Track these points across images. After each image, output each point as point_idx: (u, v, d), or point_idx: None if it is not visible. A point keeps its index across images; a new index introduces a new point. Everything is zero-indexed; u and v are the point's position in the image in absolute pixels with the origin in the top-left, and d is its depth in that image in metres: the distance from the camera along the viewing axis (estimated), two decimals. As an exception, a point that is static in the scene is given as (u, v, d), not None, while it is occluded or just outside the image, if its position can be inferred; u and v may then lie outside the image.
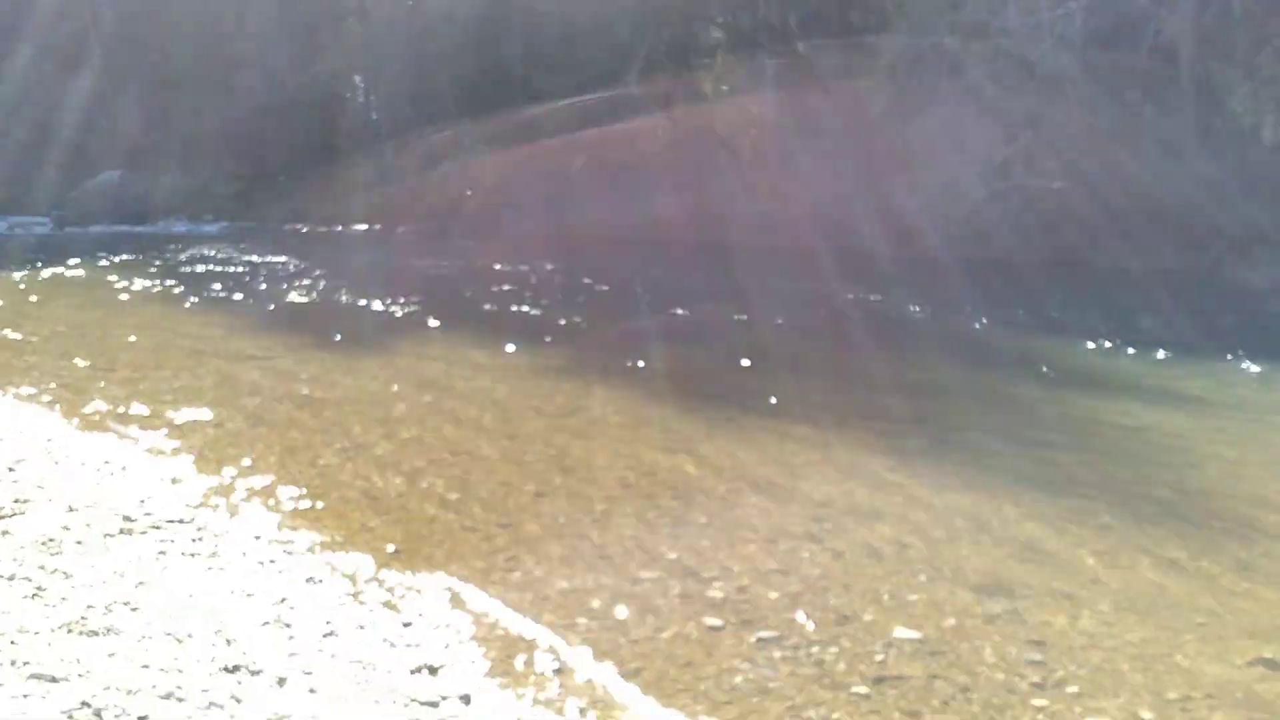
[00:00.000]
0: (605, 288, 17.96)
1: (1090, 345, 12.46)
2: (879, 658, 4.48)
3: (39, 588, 4.65)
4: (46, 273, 19.40)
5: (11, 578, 4.72)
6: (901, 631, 4.72)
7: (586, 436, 8.02)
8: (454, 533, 5.87)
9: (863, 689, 4.20)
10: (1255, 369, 11.08)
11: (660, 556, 5.54)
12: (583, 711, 3.95)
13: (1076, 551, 5.73)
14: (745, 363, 11.49)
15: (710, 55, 35.57)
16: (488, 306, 15.43)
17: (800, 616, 4.84)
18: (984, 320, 14.59)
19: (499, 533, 5.88)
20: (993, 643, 4.66)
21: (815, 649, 4.53)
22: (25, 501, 5.84)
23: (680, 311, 15.76)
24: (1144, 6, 22.01)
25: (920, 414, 9.16)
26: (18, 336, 12.07)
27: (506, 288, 17.85)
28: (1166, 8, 22.44)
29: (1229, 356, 11.63)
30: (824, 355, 12.43)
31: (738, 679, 4.26)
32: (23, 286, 17.37)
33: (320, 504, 6.28)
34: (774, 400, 9.55)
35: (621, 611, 4.88)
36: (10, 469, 6.50)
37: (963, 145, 23.79)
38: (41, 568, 4.88)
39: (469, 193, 30.33)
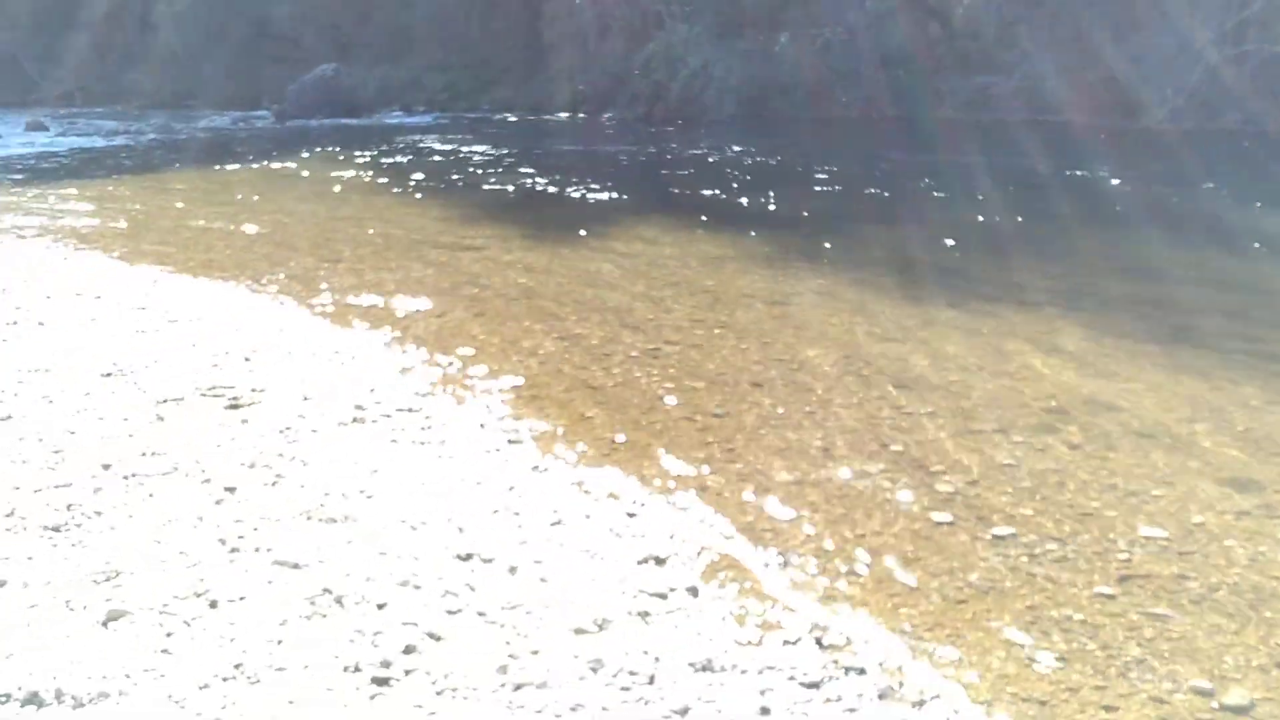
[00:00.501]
0: (811, 170, 17.56)
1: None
2: (1122, 556, 4.27)
3: (278, 475, 4.85)
4: (269, 165, 20.16)
5: (253, 465, 4.94)
6: (1146, 529, 4.49)
7: (800, 325, 7.89)
8: (673, 422, 5.85)
9: (1106, 589, 4.01)
10: None
11: (885, 448, 5.41)
12: (809, 607, 3.90)
13: (1336, 447, 5.35)
14: (950, 243, 11.12)
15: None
16: (691, 192, 15.32)
17: (1035, 512, 4.66)
18: (1213, 196, 13.71)
19: (717, 423, 5.84)
20: (1243, 541, 4.40)
21: (1053, 546, 4.35)
22: (262, 391, 6.10)
23: (881, 191, 15.34)
24: None
25: (1148, 297, 8.70)
26: (247, 229, 12.57)
27: (711, 174, 17.66)
28: None
29: None
30: (1038, 234, 11.89)
31: (972, 576, 4.13)
32: (248, 179, 18.10)
33: (542, 394, 6.36)
34: (989, 285, 9.24)
35: (846, 505, 4.78)
36: (246, 359, 6.79)
37: (1192, 8, 22.23)
38: (280, 455, 5.09)
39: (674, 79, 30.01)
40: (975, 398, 6.17)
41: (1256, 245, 10.80)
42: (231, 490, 4.69)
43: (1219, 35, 21.18)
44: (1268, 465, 5.10)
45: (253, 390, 6.10)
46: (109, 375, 6.33)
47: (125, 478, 4.82)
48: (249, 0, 43.06)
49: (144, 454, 5.12)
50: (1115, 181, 15.48)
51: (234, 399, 5.94)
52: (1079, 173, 16.20)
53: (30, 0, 48.50)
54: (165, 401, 5.87)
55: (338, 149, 23.07)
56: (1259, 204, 13.22)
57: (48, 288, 8.80)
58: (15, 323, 7.53)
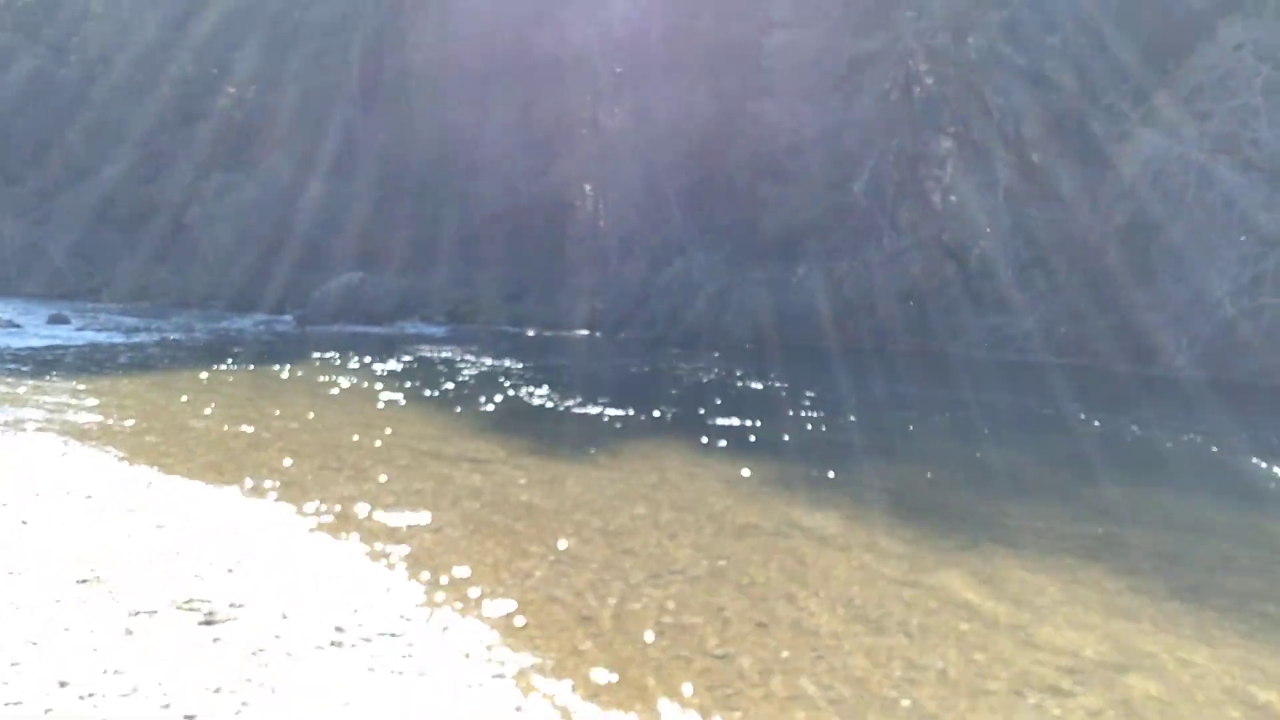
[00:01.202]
0: (824, 400, 17.48)
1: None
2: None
3: (243, 703, 4.53)
4: (283, 369, 20.20)
5: (218, 690, 4.62)
6: (1176, 816, 4.12)
7: (807, 562, 7.59)
8: (669, 662, 5.52)
9: None
10: None
11: (895, 704, 5.06)
12: None
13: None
14: (970, 482, 10.89)
15: (940, 165, 35.09)
16: (701, 417, 15.19)
17: (1055, 788, 4.29)
18: (1236, 446, 13.50)
19: (716, 665, 5.50)
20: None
21: (1076, 831, 3.98)
22: (240, 606, 5.81)
23: (905, 424, 15.20)
24: None
25: (1172, 551, 8.40)
26: (252, 430, 12.43)
27: (723, 399, 17.60)
28: None
29: None
30: (1059, 479, 11.66)
31: None
32: (261, 382, 18.09)
33: (533, 622, 6.05)
34: (1009, 528, 8.95)
35: (851, 767, 4.43)
36: (230, 570, 6.52)
37: (1210, 260, 22.55)
38: (249, 680, 4.78)
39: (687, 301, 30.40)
40: (988, 652, 5.83)
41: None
42: (190, 719, 4.36)
43: (1235, 287, 21.39)
44: (1307, 746, 4.74)
45: (230, 605, 5.81)
46: (84, 582, 6.06)
47: (81, 698, 4.51)
48: (281, 206, 44.29)
49: (105, 671, 4.81)
50: (1134, 428, 15.32)
51: (209, 614, 5.65)
52: (1095, 417, 16.07)
53: (63, 194, 49.98)
54: (137, 614, 5.58)
55: (354, 356, 23.18)
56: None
57: (38, 485, 8.59)
58: (-4, 519, 7.30)
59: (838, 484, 10.62)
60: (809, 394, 18.25)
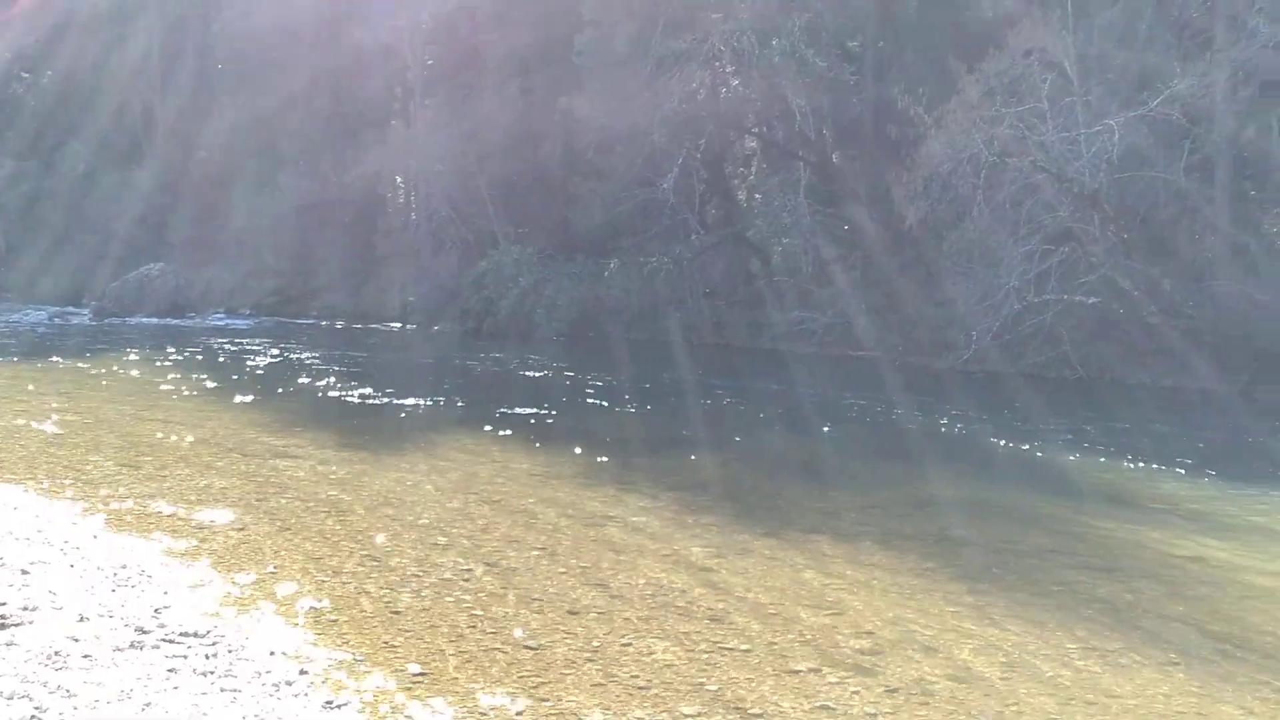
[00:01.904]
0: (635, 391, 17.71)
1: (1131, 465, 12.12)
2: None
3: (37, 709, 4.38)
4: (79, 363, 19.38)
5: (10, 697, 4.45)
6: (962, 782, 4.37)
7: (619, 549, 7.73)
8: (480, 653, 5.56)
9: None
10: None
11: (701, 688, 5.21)
12: None
13: (1145, 694, 5.36)
14: (771, 471, 11.24)
15: (745, 164, 35.85)
16: (514, 408, 15.22)
17: (851, 761, 4.50)
18: (1018, 435, 14.24)
19: (529, 655, 5.57)
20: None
21: (869, 800, 4.19)
22: (34, 609, 5.59)
23: (710, 416, 15.52)
24: (1180, 125, 21.94)
25: (960, 535, 8.85)
26: (46, 429, 11.93)
27: (536, 390, 17.66)
28: (1203, 126, 22.39)
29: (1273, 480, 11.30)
30: (856, 468, 12.12)
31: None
32: (55, 377, 17.32)
33: (343, 618, 6.00)
34: (807, 515, 9.29)
35: (659, 749, 4.55)
36: (24, 571, 6.26)
37: (999, 258, 23.61)
38: (44, 685, 4.62)
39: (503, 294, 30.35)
40: (792, 634, 6.05)
41: (1078, 488, 11.15)
42: (-20, 724, 4.21)
43: (1022, 284, 22.45)
44: (1077, 713, 5.07)
45: (24, 609, 5.59)
46: None
47: None
48: (77, 195, 42.35)
49: (-115, 678, 4.58)
50: (926, 419, 15.98)
51: (1, 618, 5.42)
52: (890, 409, 16.70)
53: None
54: (-80, 619, 5.33)
55: (153, 349, 22.37)
56: (1062, 447, 13.77)
57: None
58: None
59: (647, 474, 10.79)
60: (620, 387, 18.45)
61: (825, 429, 14.58)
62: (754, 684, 5.28)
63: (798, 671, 5.47)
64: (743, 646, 5.80)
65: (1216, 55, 21.81)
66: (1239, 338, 20.06)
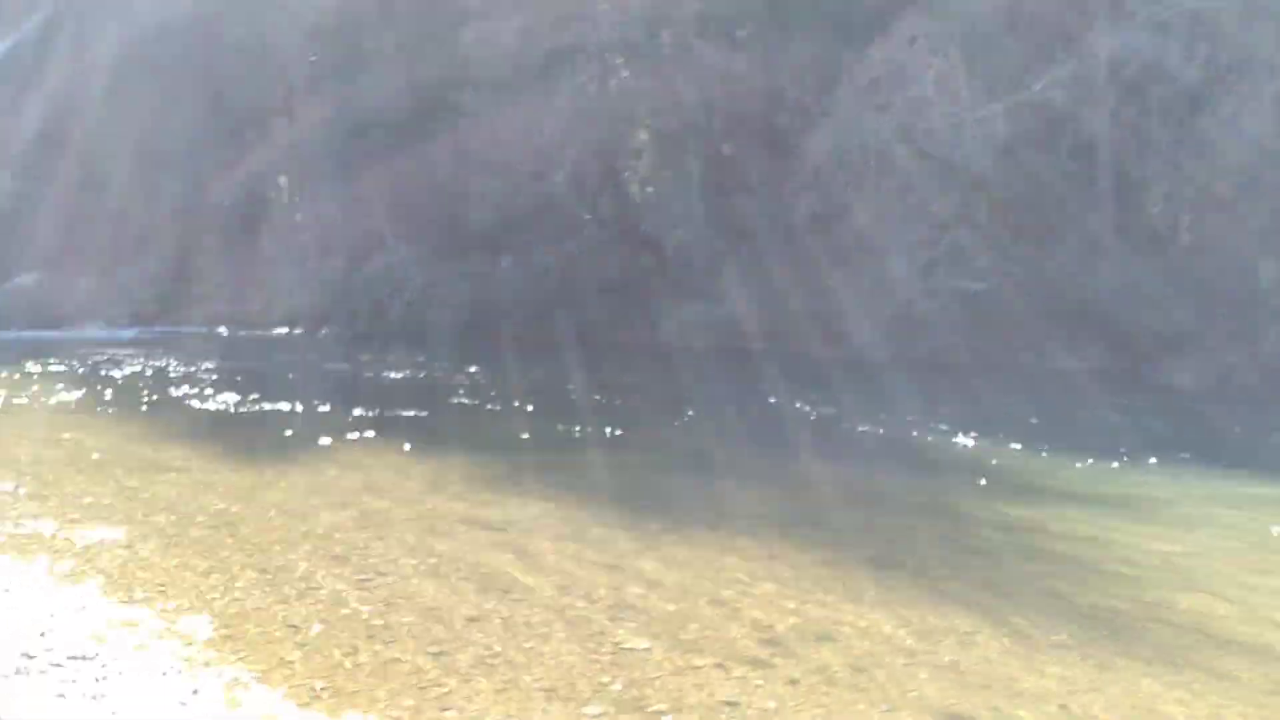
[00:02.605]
0: (531, 391, 17.63)
1: (1021, 448, 12.40)
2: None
3: (-86, 746, 4.19)
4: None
5: (-116, 735, 4.26)
6: (866, 771, 4.40)
7: (520, 553, 7.66)
8: (380, 666, 5.45)
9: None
10: (1190, 471, 11.05)
11: (604, 688, 5.17)
12: None
13: (1038, 675, 5.46)
14: (672, 467, 11.28)
15: (637, 157, 35.87)
16: (408, 412, 15.06)
17: (757, 756, 4.50)
18: (914, 423, 14.48)
19: (430, 664, 5.48)
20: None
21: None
22: (-92, 640, 5.37)
23: (609, 413, 15.51)
24: (1064, 107, 22.42)
25: (860, 524, 8.96)
26: (-84, 449, 11.49)
27: (428, 394, 17.49)
28: (1087, 108, 22.91)
29: (1159, 458, 11.64)
30: (757, 461, 12.22)
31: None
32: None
33: (236, 634, 5.85)
34: (712, 510, 9.32)
35: (564, 754, 4.51)
36: (-105, 601, 6.01)
37: (889, 246, 23.95)
38: (-80, 720, 4.42)
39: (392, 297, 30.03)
40: (694, 630, 6.05)
41: (972, 473, 11.34)
42: None
43: (913, 270, 22.81)
44: (976, 696, 5.15)
45: (-104, 639, 5.36)
46: None
47: None
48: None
49: None
50: (825, 409, 16.15)
51: None
52: (790, 400, 16.85)
53: None
54: None
55: (28, 364, 21.69)
56: (958, 432, 14.02)
57: None
58: None
59: (543, 476, 10.75)
60: (513, 388, 18.34)
61: (719, 424, 14.67)
62: (658, 681, 5.27)
63: (700, 667, 5.47)
64: (644, 645, 5.79)
65: (1098, 39, 22.29)
66: (1127, 318, 20.57)
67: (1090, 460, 11.69)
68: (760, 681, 5.30)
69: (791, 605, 6.53)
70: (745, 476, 11.15)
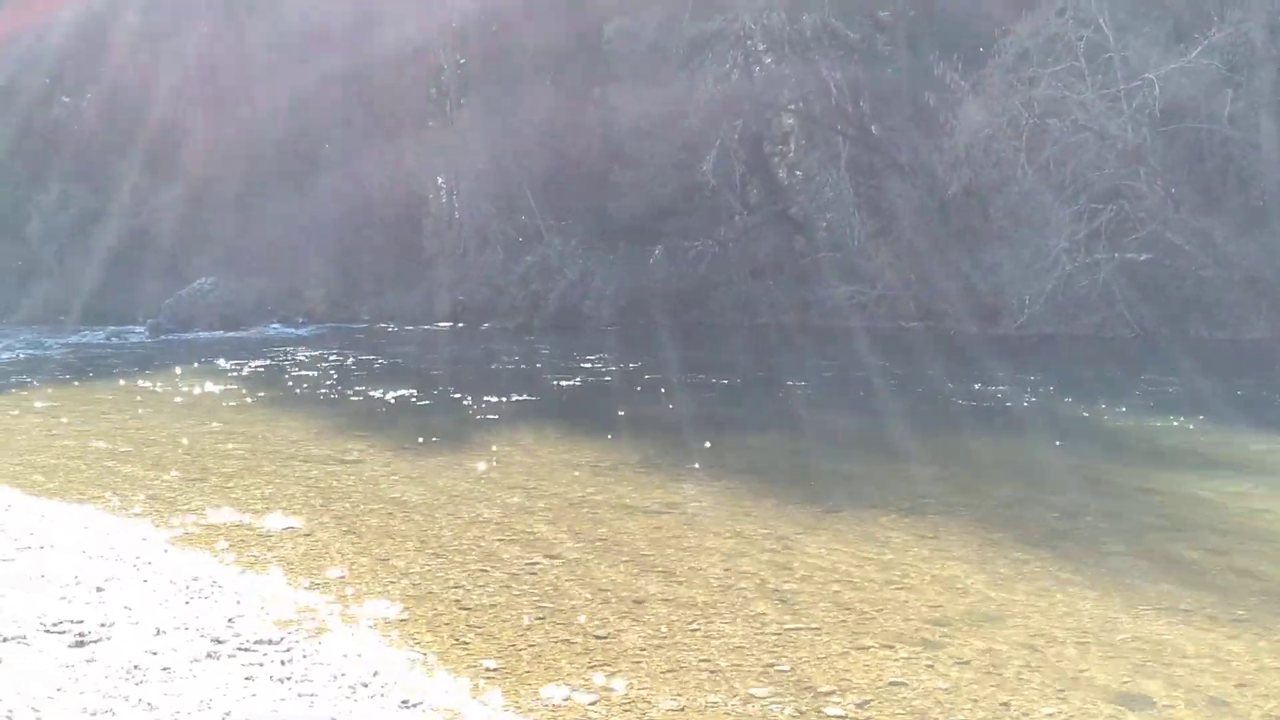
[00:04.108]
0: (688, 376, 17.73)
1: (1199, 422, 11.98)
2: (1019, 781, 4.12)
3: (123, 722, 4.47)
4: (139, 380, 19.68)
5: (94, 714, 4.54)
6: (1040, 750, 4.35)
7: (681, 536, 7.75)
8: (550, 645, 5.60)
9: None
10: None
11: (771, 668, 5.22)
12: None
13: (1219, 652, 5.31)
14: (832, 449, 11.23)
15: (784, 142, 35.70)
16: (568, 400, 15.30)
17: (927, 734, 4.50)
18: (1078, 398, 14.12)
19: (598, 644, 5.60)
20: (1140, 759, 4.28)
21: (948, 772, 4.18)
22: (111, 625, 5.70)
23: (766, 396, 15.50)
24: (1220, 74, 21.58)
25: (1026, 502, 8.81)
26: (112, 447, 12.13)
27: (588, 381, 17.72)
28: (1246, 72, 22.03)
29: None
30: (917, 441, 12.04)
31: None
32: (116, 395, 17.61)
33: (413, 617, 6.07)
34: (875, 490, 9.26)
35: (734, 732, 4.57)
36: (99, 588, 6.38)
37: (1046, 220, 23.39)
38: (126, 699, 4.70)
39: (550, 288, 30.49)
40: (861, 610, 6.05)
41: (1142, 450, 11.05)
42: (68, 741, 4.30)
43: (1071, 244, 22.23)
44: (1156, 679, 5.03)
45: (101, 625, 5.69)
46: (-56, 612, 5.88)
47: (-50, 730, 4.39)
48: (126, 214, 42.94)
49: (-26, 701, 4.69)
50: (984, 386, 15.87)
51: (80, 635, 5.53)
52: (947, 378, 16.60)
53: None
54: (4, 640, 5.43)
55: (211, 362, 22.67)
56: (1123, 408, 13.63)
57: (-113, 515, 8.27)
58: None
59: (704, 459, 10.81)
60: (671, 373, 18.47)
61: (880, 403, 14.55)
62: (825, 662, 5.28)
63: (868, 648, 5.47)
64: (811, 625, 5.81)
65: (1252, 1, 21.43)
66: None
67: (1268, 433, 11.25)
68: (929, 662, 5.28)
69: (959, 585, 6.47)
70: (907, 456, 11.04)
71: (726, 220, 31.49)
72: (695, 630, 5.78)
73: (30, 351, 27.60)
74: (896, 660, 5.31)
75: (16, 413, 15.36)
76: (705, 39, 29.41)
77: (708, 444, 11.65)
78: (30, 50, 46.57)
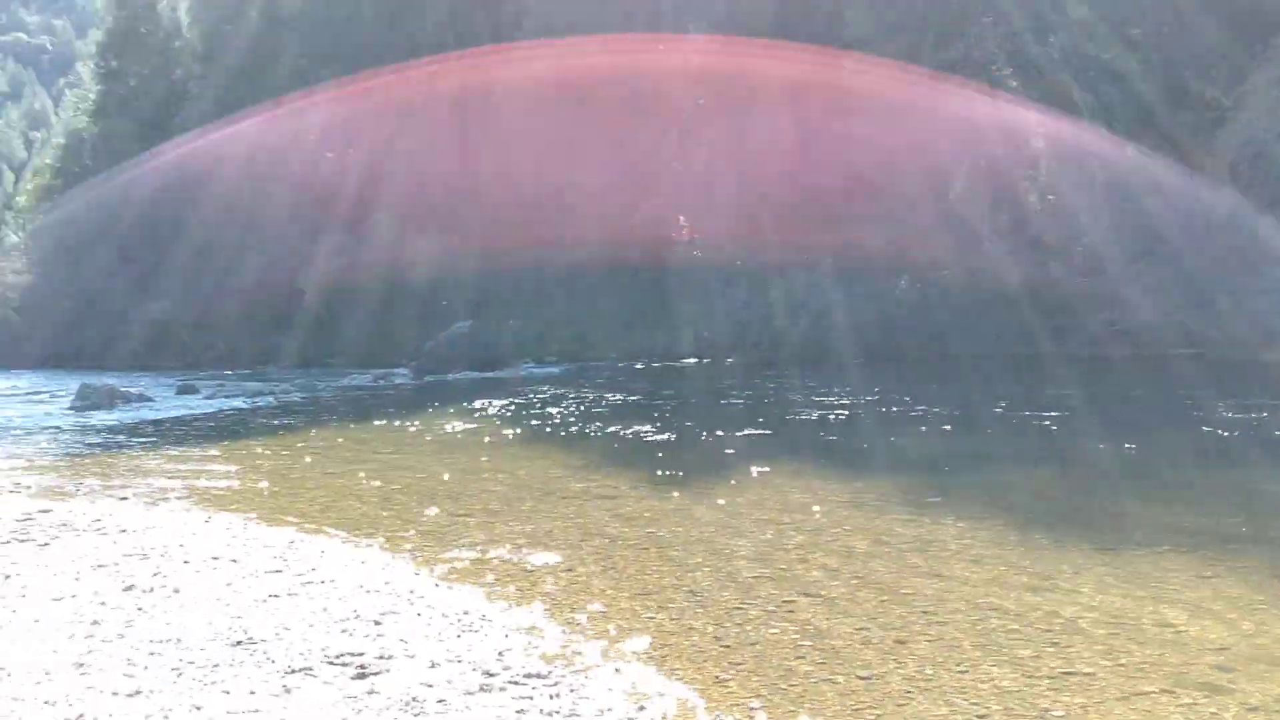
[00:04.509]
0: (939, 409, 17.35)
1: None
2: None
3: (408, 752, 4.67)
4: (406, 421, 20.63)
5: (381, 742, 4.78)
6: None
7: (940, 574, 7.58)
8: (813, 686, 5.56)
9: None
10: None
11: (1046, 714, 5.04)
12: None
13: None
14: (1100, 483, 10.75)
15: (1032, 166, 34.67)
16: (817, 435, 15.18)
17: (1220, 789, 4.25)
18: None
19: (862, 685, 5.53)
20: None
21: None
22: (390, 658, 5.98)
23: (1027, 429, 15.01)
24: None
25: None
26: (381, 486, 12.74)
27: (836, 416, 17.56)
28: None
29: None
30: (1191, 473, 11.44)
31: None
32: (385, 435, 18.50)
33: (673, 654, 6.13)
34: (1144, 527, 8.86)
35: (1008, 779, 4.43)
36: (376, 622, 6.71)
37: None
38: (408, 730, 4.93)
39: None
40: (1137, 654, 5.77)
41: None
42: (357, 766, 4.53)
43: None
44: None
45: (380, 658, 5.99)
46: (239, 644, 6.29)
47: (251, 752, 4.70)
48: (389, 263, 45.28)
49: (270, 727, 5.00)
50: (1258, 416, 14.94)
51: (361, 668, 5.83)
52: (1219, 406, 15.71)
53: (182, 270, 51.60)
54: (293, 672, 5.78)
55: (471, 402, 23.57)
56: None
57: (186, 553, 8.92)
58: (151, 589, 7.60)
59: (961, 495, 10.56)
60: (925, 405, 18.12)
61: (1150, 435, 13.89)
62: (1103, 708, 5.06)
63: (1148, 693, 5.22)
64: (1085, 669, 5.58)
65: None
66: None
67: None
68: (1213, 709, 5.00)
69: (1245, 626, 6.11)
70: (1182, 491, 10.50)
71: (975, 248, 30.75)
72: (962, 673, 5.64)
73: (304, 395, 29.30)
74: (1179, 706, 5.05)
75: (295, 453, 16.33)
76: (949, 65, 28.96)
77: (963, 478, 11.38)
78: (301, 112, 49.92)
